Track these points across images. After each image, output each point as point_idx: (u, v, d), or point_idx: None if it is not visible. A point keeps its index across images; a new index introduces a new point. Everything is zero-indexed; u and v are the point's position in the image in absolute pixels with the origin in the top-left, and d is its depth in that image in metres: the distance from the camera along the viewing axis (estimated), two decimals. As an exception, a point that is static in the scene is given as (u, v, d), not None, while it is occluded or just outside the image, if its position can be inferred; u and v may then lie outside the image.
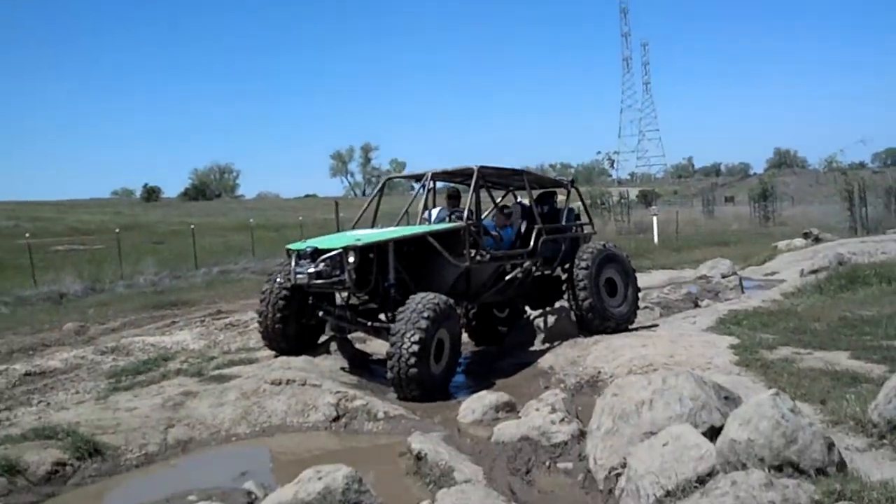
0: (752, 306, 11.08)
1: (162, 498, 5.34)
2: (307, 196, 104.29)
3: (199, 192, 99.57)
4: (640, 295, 10.61)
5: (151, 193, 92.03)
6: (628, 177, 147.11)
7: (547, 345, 9.78)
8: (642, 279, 16.05)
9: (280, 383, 7.83)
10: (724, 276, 15.50)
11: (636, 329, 9.96)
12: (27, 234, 24.90)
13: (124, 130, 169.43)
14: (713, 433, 4.76)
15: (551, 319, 10.30)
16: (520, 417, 6.61)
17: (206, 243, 26.82)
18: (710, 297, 13.77)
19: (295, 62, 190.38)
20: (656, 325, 10.29)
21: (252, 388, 7.82)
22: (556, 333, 9.98)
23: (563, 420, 6.22)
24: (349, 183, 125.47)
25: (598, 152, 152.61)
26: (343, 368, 8.86)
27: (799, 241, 23.09)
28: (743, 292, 14.43)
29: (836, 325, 9.20)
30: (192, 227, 25.85)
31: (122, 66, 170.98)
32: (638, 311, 10.54)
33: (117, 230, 26.06)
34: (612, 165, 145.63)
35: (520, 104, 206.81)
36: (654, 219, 29.23)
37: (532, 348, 9.97)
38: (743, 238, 29.10)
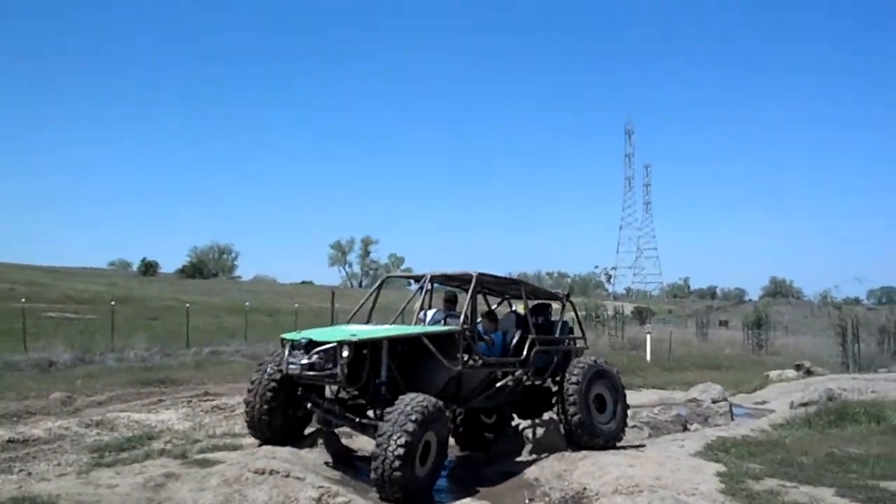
0: (740, 434, 11.07)
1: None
2: (303, 283, 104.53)
3: (197, 269, 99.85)
4: (629, 413, 10.61)
5: (149, 268, 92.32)
6: (624, 292, 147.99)
7: (534, 456, 9.74)
8: (633, 397, 16.08)
9: (263, 473, 7.75)
10: (714, 402, 15.52)
11: (624, 447, 9.94)
12: (23, 300, 24.93)
13: (125, 201, 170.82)
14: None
15: (540, 431, 10.29)
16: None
17: (200, 322, 26.82)
18: (699, 422, 13.76)
19: (303, 149, 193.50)
20: (644, 446, 10.27)
21: (235, 476, 7.74)
22: (544, 445, 9.95)
23: (545, 534, 6.19)
24: (346, 273, 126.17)
25: (596, 266, 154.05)
26: (327, 463, 8.78)
27: (791, 373, 23.13)
28: (732, 419, 14.44)
29: (823, 460, 9.20)
30: (188, 305, 25.90)
31: (127, 138, 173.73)
32: (626, 430, 10.54)
33: (112, 302, 26.11)
34: (608, 280, 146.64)
35: (521, 210, 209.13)
36: (648, 336, 29.34)
37: (519, 458, 9.91)
38: (735, 364, 29.11)
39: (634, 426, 11.61)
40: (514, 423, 10.85)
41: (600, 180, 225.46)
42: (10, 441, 9.75)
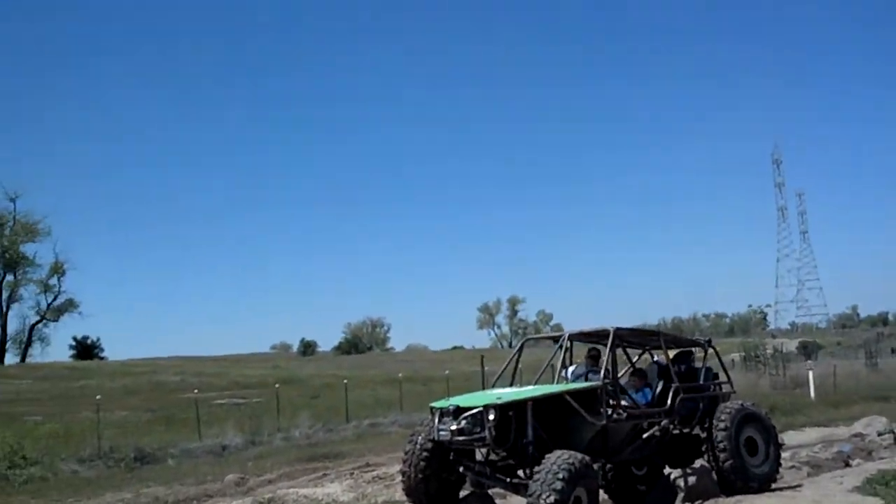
0: (902, 467, 10.65)
1: None
2: (454, 348, 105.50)
3: (352, 345, 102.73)
4: (785, 454, 10.45)
5: (308, 347, 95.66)
6: (788, 327, 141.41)
7: (686, 503, 9.73)
8: (793, 437, 15.75)
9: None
10: (879, 434, 14.87)
11: (780, 489, 9.81)
12: (195, 391, 26.64)
13: (283, 287, 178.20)
14: None
15: (692, 479, 10.26)
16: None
17: (357, 396, 27.75)
18: (862, 457, 13.24)
19: (444, 214, 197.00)
20: (801, 486, 10.06)
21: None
22: (698, 492, 9.94)
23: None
24: (496, 335, 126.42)
25: (750, 305, 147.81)
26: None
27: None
28: (898, 451, 13.79)
29: None
30: (345, 381, 26.93)
31: (277, 230, 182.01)
32: (784, 471, 10.37)
33: (277, 385, 27.51)
34: (764, 318, 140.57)
35: (670, 253, 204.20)
36: (810, 373, 28.14)
37: (674, 507, 9.94)
38: (906, 393, 27.43)
39: (793, 466, 11.38)
40: (666, 472, 10.83)
41: (750, 214, 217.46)
42: (192, 523, 10.65)
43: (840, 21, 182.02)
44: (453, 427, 8.71)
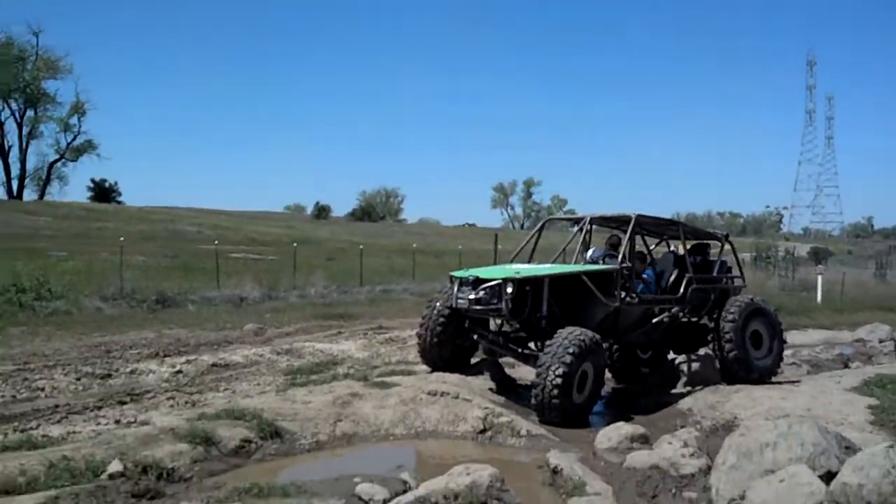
0: (901, 372, 10.98)
1: (331, 478, 6.16)
2: (467, 225, 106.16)
3: (366, 213, 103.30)
4: (789, 351, 10.77)
5: (322, 211, 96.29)
6: (802, 232, 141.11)
7: (688, 388, 10.11)
8: (797, 337, 16.09)
9: (435, 394, 8.65)
10: (880, 341, 15.22)
11: (780, 382, 10.17)
12: (216, 242, 27.16)
13: (300, 149, 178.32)
14: (829, 477, 5.15)
15: (695, 365, 10.60)
16: (652, 449, 7.12)
17: (371, 263, 28.23)
18: (862, 361, 13.58)
19: (464, 91, 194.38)
20: (799, 381, 10.43)
21: (410, 396, 8.68)
22: (699, 379, 10.28)
23: (693, 454, 6.67)
24: (509, 216, 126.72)
25: (767, 206, 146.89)
26: (492, 389, 9.56)
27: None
28: (897, 358, 14.15)
29: None
30: (361, 247, 27.37)
31: (303, 94, 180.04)
32: (785, 367, 10.72)
33: (294, 244, 28.03)
34: (780, 220, 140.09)
35: (692, 147, 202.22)
36: (819, 278, 28.40)
37: (674, 391, 10.29)
38: (913, 306, 27.75)
39: (793, 363, 11.73)
40: (671, 358, 11.20)
41: (777, 114, 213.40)
42: (213, 365, 11.17)
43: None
44: (472, 296, 9.05)
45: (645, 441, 7.61)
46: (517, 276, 8.95)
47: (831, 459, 5.40)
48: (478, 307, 9.08)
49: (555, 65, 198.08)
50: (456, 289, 9.38)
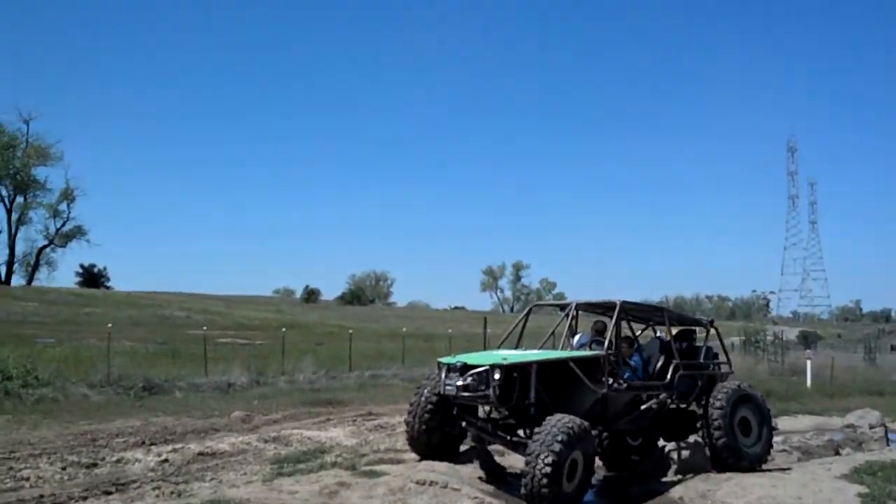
0: (890, 459, 10.95)
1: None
2: (456, 308, 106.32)
3: (355, 296, 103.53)
4: (779, 437, 10.78)
5: (311, 295, 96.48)
6: (790, 315, 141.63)
7: (679, 476, 10.07)
8: (787, 423, 16.07)
9: (424, 484, 8.56)
10: (871, 427, 15.18)
11: (770, 470, 10.15)
12: (204, 327, 27.10)
13: (289, 233, 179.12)
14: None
15: (685, 453, 10.58)
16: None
17: (360, 347, 28.19)
18: (852, 447, 13.56)
19: (454, 177, 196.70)
20: (790, 469, 10.39)
21: (399, 486, 8.59)
22: (690, 466, 10.26)
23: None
24: (498, 298, 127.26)
25: (753, 290, 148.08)
26: (481, 478, 9.48)
27: (961, 400, 22.00)
28: (888, 444, 14.12)
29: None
30: (350, 331, 27.36)
31: (294, 178, 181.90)
32: (775, 453, 10.70)
33: (283, 329, 28.00)
34: (766, 305, 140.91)
35: (678, 233, 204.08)
36: (808, 362, 28.47)
37: (665, 479, 10.25)
38: (901, 390, 27.75)
39: (784, 450, 11.68)
40: (660, 445, 11.17)
41: (761, 200, 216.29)
42: (200, 453, 11.04)
43: (860, 11, 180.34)
44: (459, 383, 9.03)
45: (635, 531, 7.57)
46: (505, 362, 8.96)
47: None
48: (465, 394, 9.04)
49: (541, 149, 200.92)
50: (444, 375, 9.38)
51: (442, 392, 9.36)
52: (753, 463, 10.03)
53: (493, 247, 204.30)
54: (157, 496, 8.50)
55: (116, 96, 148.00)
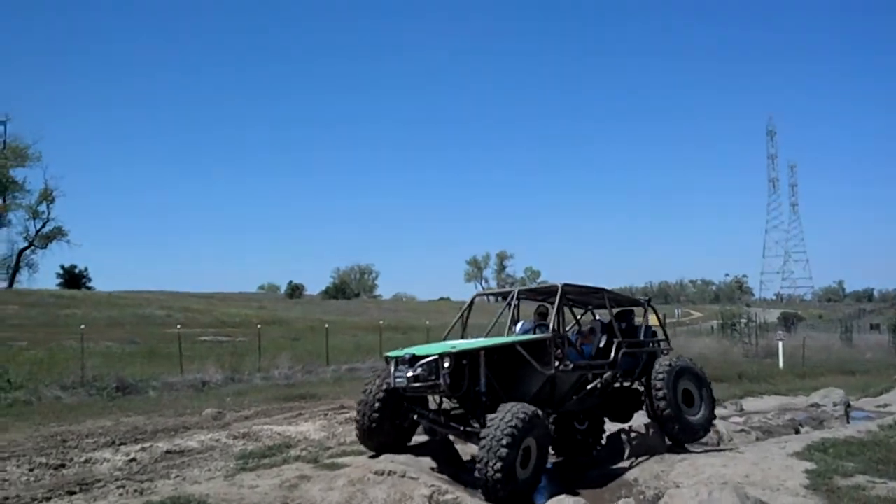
0: (844, 435, 11.21)
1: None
2: (441, 299, 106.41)
3: (340, 290, 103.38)
4: (737, 419, 11.02)
5: (295, 290, 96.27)
6: (774, 297, 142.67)
7: (633, 459, 10.27)
8: (752, 404, 16.38)
9: (383, 474, 8.72)
10: (834, 405, 15.50)
11: (725, 450, 10.40)
12: (178, 326, 27.13)
13: (274, 229, 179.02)
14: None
15: (640, 436, 10.80)
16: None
17: (339, 341, 28.31)
18: (813, 426, 13.86)
19: (437, 166, 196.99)
20: (745, 449, 10.63)
21: (358, 477, 8.75)
22: (645, 449, 10.45)
23: (627, 525, 6.85)
24: (483, 288, 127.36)
25: (727, 274, 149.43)
26: (439, 467, 9.59)
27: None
28: (848, 422, 14.43)
29: (923, 459, 9.32)
30: (327, 326, 27.46)
31: (275, 171, 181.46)
32: (734, 434, 10.96)
33: (259, 325, 28.07)
34: (740, 288, 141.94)
35: (659, 218, 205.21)
36: (780, 343, 28.88)
37: (621, 462, 10.45)
38: (873, 368, 28.24)
39: (742, 430, 11.94)
40: (614, 430, 11.35)
41: (742, 184, 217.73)
42: (167, 452, 11.21)
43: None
44: (409, 374, 9.09)
45: (587, 514, 7.77)
46: (453, 350, 9.09)
47: (749, 525, 5.60)
48: (416, 384, 9.09)
49: (526, 136, 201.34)
50: (393, 368, 9.43)
51: (392, 385, 9.39)
52: (697, 430, 10.48)
53: (479, 237, 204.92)
54: (121, 495, 8.65)
55: (94, 94, 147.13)
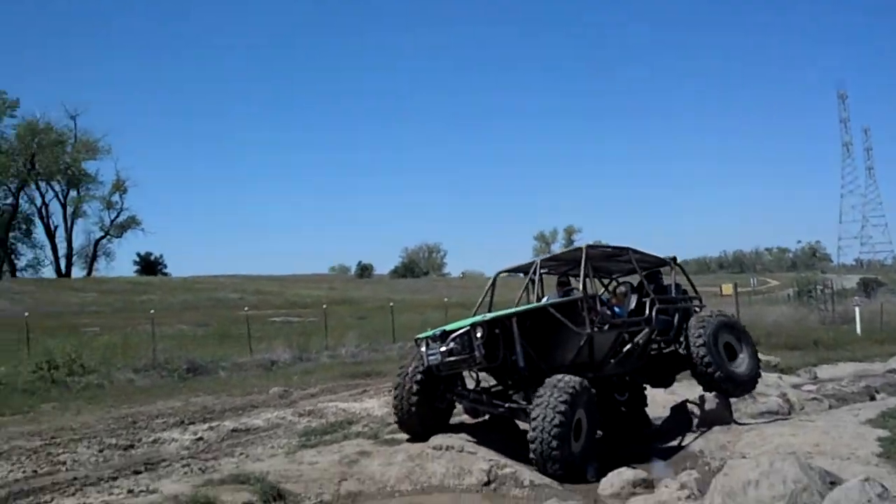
0: (921, 401, 10.79)
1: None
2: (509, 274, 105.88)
3: (408, 269, 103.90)
4: (811, 387, 10.67)
5: (364, 270, 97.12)
6: (854, 263, 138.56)
7: (701, 430, 10.00)
8: (827, 371, 15.88)
9: (441, 449, 8.70)
10: (912, 370, 14.93)
11: (795, 419, 10.07)
12: (246, 308, 27.60)
13: (344, 210, 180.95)
14: (811, 514, 5.14)
15: (707, 406, 10.51)
16: (653, 493, 7.10)
17: (406, 319, 28.36)
18: (889, 392, 13.33)
19: (503, 140, 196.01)
20: (815, 417, 10.29)
21: (417, 452, 8.75)
22: (711, 419, 10.16)
23: (689, 496, 6.67)
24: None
25: (799, 241, 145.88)
26: (497, 440, 9.48)
27: None
28: (928, 387, 13.87)
29: None
30: (391, 304, 27.56)
31: (346, 153, 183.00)
32: (806, 402, 10.60)
33: (325, 305, 28.36)
34: (814, 255, 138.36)
35: (732, 188, 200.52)
36: (857, 309, 27.97)
37: (688, 433, 10.21)
38: (955, 332, 27.12)
39: (815, 398, 11.54)
40: (680, 401, 11.04)
41: (813, 150, 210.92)
42: (233, 430, 11.39)
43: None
44: (443, 349, 8.88)
45: (648, 486, 7.64)
46: (485, 319, 8.90)
47: (813, 496, 5.39)
48: (450, 359, 8.83)
49: (595, 105, 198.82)
50: (425, 348, 9.24)
51: (426, 364, 9.20)
52: (746, 381, 10.25)
53: (547, 212, 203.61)
54: (185, 473, 8.77)
55: (163, 84, 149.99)
